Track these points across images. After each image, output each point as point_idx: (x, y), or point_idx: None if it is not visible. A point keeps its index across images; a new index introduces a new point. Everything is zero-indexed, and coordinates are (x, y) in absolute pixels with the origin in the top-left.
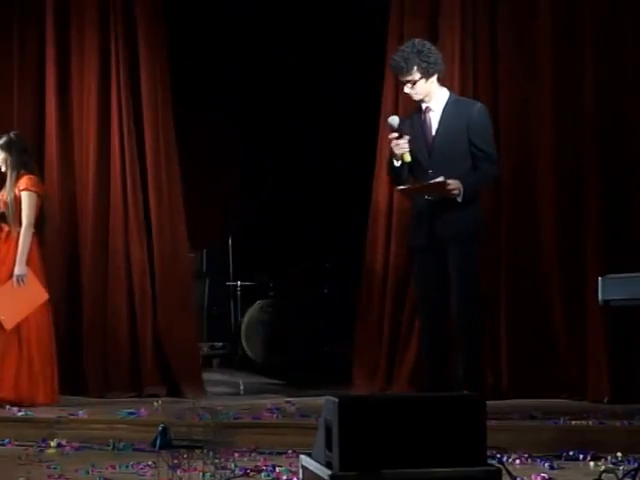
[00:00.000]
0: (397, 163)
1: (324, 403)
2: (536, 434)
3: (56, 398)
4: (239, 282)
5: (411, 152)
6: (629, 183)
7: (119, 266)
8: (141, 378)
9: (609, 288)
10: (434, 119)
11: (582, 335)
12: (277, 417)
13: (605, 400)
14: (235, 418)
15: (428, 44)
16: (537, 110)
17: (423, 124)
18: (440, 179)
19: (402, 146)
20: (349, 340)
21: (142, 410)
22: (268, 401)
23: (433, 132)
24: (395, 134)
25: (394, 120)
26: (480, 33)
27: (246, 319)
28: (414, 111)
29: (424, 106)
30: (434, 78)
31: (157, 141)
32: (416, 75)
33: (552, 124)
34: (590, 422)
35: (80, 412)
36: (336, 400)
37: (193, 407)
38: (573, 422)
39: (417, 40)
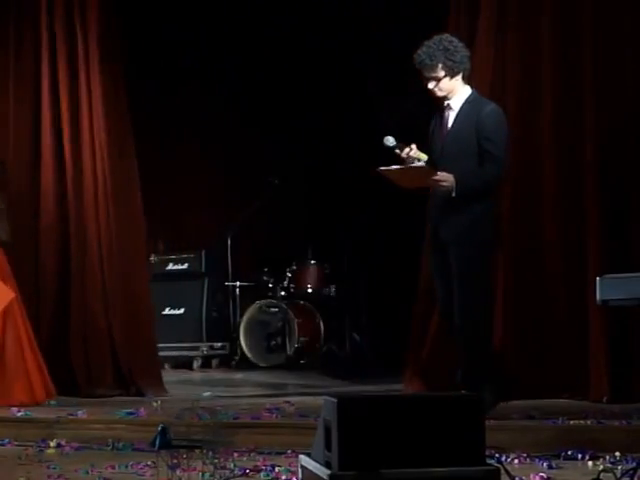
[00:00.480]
0: None
1: (323, 403)
2: (535, 434)
3: (38, 397)
4: (238, 282)
5: (425, 150)
6: (630, 183)
7: (94, 269)
8: (123, 376)
9: (607, 288)
10: (451, 117)
11: (582, 335)
12: (276, 417)
13: (604, 400)
14: (234, 418)
15: (456, 41)
16: (539, 110)
17: (441, 121)
18: (420, 164)
19: (413, 154)
20: (346, 339)
21: (141, 410)
22: (267, 401)
23: (447, 130)
24: (397, 150)
25: (389, 140)
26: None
27: (245, 319)
28: (438, 109)
29: (445, 103)
30: (459, 76)
31: (112, 143)
32: (440, 73)
33: (553, 125)
34: (589, 422)
35: (79, 412)
36: (335, 400)
37: (192, 407)
38: (572, 422)
39: (445, 36)
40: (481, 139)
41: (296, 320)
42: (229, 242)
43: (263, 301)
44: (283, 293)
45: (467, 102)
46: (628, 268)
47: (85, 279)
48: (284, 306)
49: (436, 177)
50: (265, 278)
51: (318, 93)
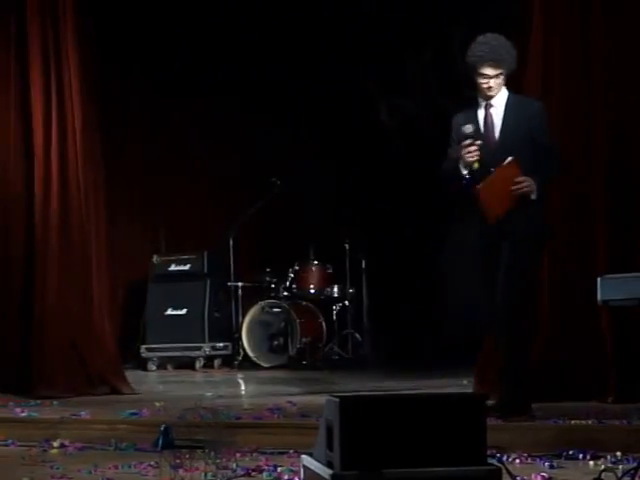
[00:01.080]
0: (465, 171)
1: (325, 403)
2: (536, 433)
3: None
4: (240, 283)
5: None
6: (636, 184)
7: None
8: (90, 376)
9: (608, 288)
10: (496, 116)
11: (583, 335)
12: (278, 417)
13: (609, 400)
14: (236, 418)
15: (506, 39)
16: (551, 110)
17: (485, 121)
18: (509, 159)
19: (474, 154)
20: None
21: (144, 410)
22: (269, 401)
23: (497, 131)
24: (468, 141)
25: (468, 128)
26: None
27: (247, 319)
28: (468, 108)
29: (484, 103)
30: (507, 74)
31: (83, 139)
32: (503, 70)
33: (565, 125)
34: (589, 421)
35: (82, 412)
36: (337, 400)
37: (195, 407)
38: (572, 421)
39: (496, 34)
40: (541, 137)
41: (298, 320)
42: (231, 242)
43: (265, 301)
44: (285, 293)
45: (509, 101)
46: (631, 269)
47: (47, 279)
48: (286, 306)
49: (524, 184)
50: (267, 278)
51: (318, 93)
